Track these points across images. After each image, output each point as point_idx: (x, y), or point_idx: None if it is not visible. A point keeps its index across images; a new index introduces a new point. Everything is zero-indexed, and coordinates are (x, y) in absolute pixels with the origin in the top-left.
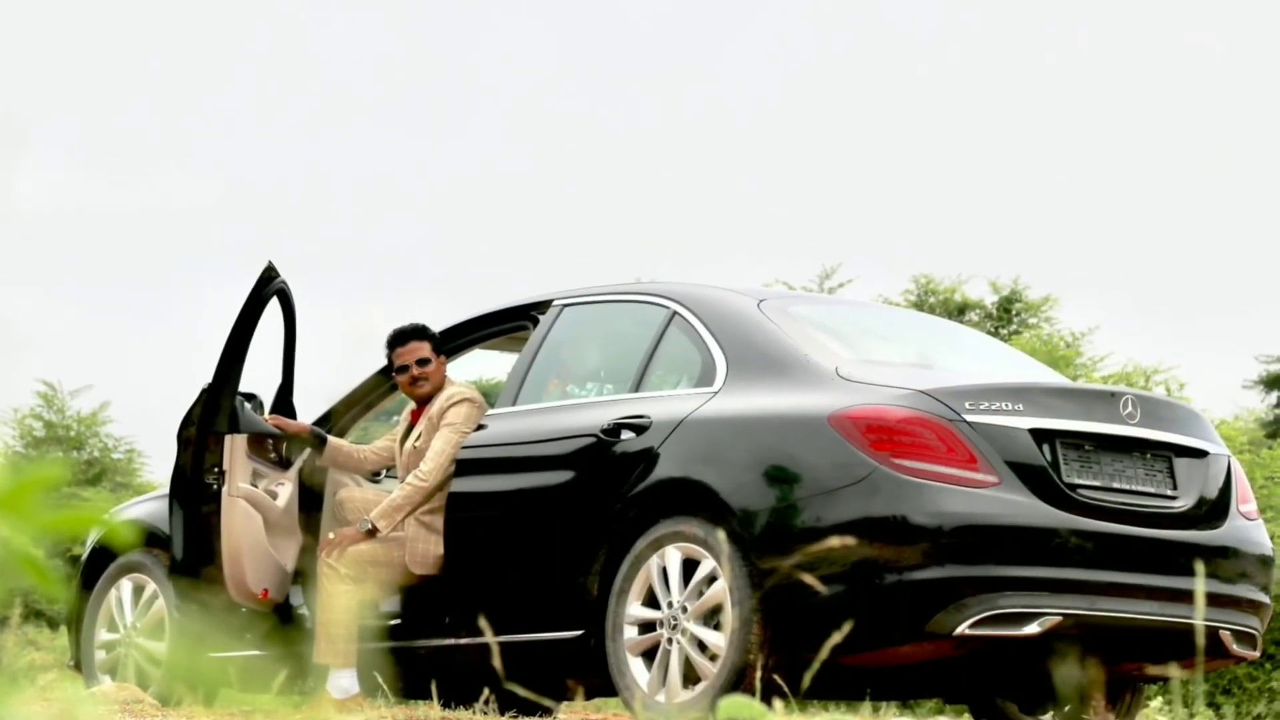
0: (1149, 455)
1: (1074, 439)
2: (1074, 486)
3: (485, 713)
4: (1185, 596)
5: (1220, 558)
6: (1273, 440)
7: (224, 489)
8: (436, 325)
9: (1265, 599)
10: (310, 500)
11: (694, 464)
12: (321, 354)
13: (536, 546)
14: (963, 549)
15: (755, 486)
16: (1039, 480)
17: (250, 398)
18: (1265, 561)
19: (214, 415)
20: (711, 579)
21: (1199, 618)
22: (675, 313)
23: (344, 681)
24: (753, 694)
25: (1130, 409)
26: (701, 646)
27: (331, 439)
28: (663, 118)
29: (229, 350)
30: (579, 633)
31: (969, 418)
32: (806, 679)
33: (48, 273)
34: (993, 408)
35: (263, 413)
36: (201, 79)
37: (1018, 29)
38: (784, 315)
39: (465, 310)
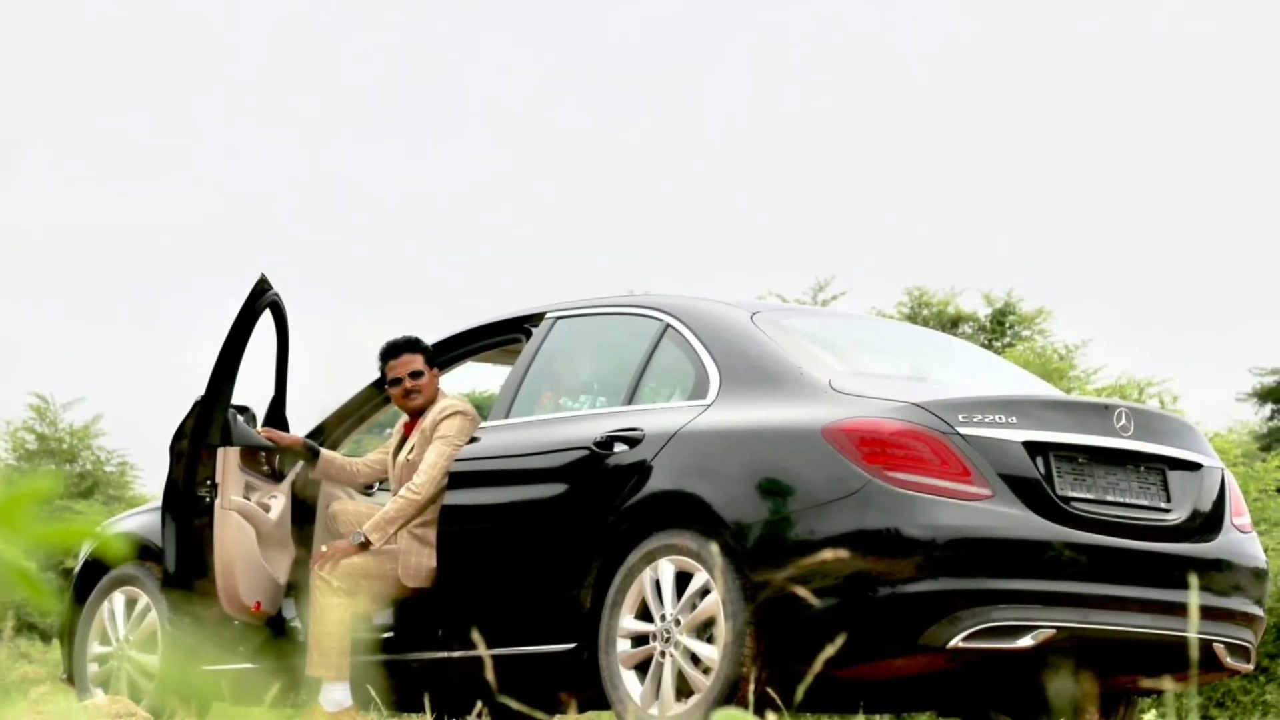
0: (1143, 468)
1: (1068, 452)
2: (1067, 499)
3: None
4: (1179, 609)
5: (1214, 571)
6: (1267, 453)
7: (217, 502)
8: (429, 338)
9: (1259, 612)
10: (303, 513)
11: (687, 477)
12: (314, 367)
13: (529, 559)
14: (956, 562)
15: (748, 499)
16: (1032, 493)
17: (243, 410)
18: (1259, 574)
19: (207, 428)
20: (705, 592)
21: (1193, 631)
22: (668, 325)
23: (336, 694)
24: (746, 707)
25: (1124, 422)
26: (695, 659)
27: (324, 452)
28: (655, 131)
29: (221, 363)
30: (572, 646)
31: (962, 430)
32: (800, 692)
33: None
34: (986, 420)
35: (255, 425)
36: (194, 93)
37: (1011, 44)
38: (777, 328)
39: (458, 323)
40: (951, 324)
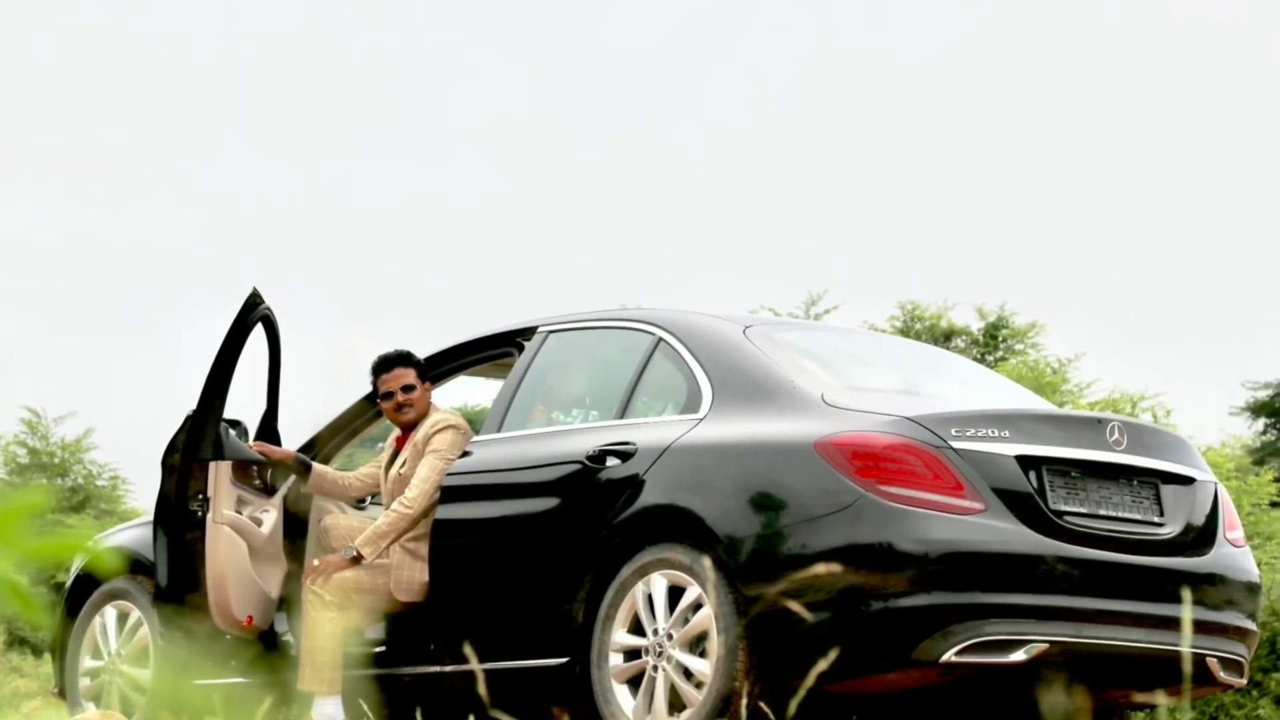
0: (1135, 482)
1: (1060, 466)
2: (1060, 513)
3: None
4: (1172, 624)
5: (1207, 585)
6: (1260, 467)
7: (208, 516)
8: (422, 352)
9: (1252, 626)
10: (295, 527)
11: (679, 491)
12: (306, 380)
13: (521, 573)
14: (949, 576)
15: (741, 513)
16: (1025, 507)
17: (235, 424)
18: (1252, 588)
19: (199, 442)
20: (697, 606)
21: (1186, 645)
22: (661, 339)
23: (329, 709)
24: None
25: (1117, 435)
26: (687, 674)
27: (316, 465)
28: (648, 144)
29: (213, 377)
30: (564, 660)
31: (955, 444)
32: (792, 706)
33: (32, 300)
34: (979, 434)
35: (247, 439)
36: (183, 109)
37: (1002, 59)
38: (770, 342)
39: (450, 337)
40: (944, 338)
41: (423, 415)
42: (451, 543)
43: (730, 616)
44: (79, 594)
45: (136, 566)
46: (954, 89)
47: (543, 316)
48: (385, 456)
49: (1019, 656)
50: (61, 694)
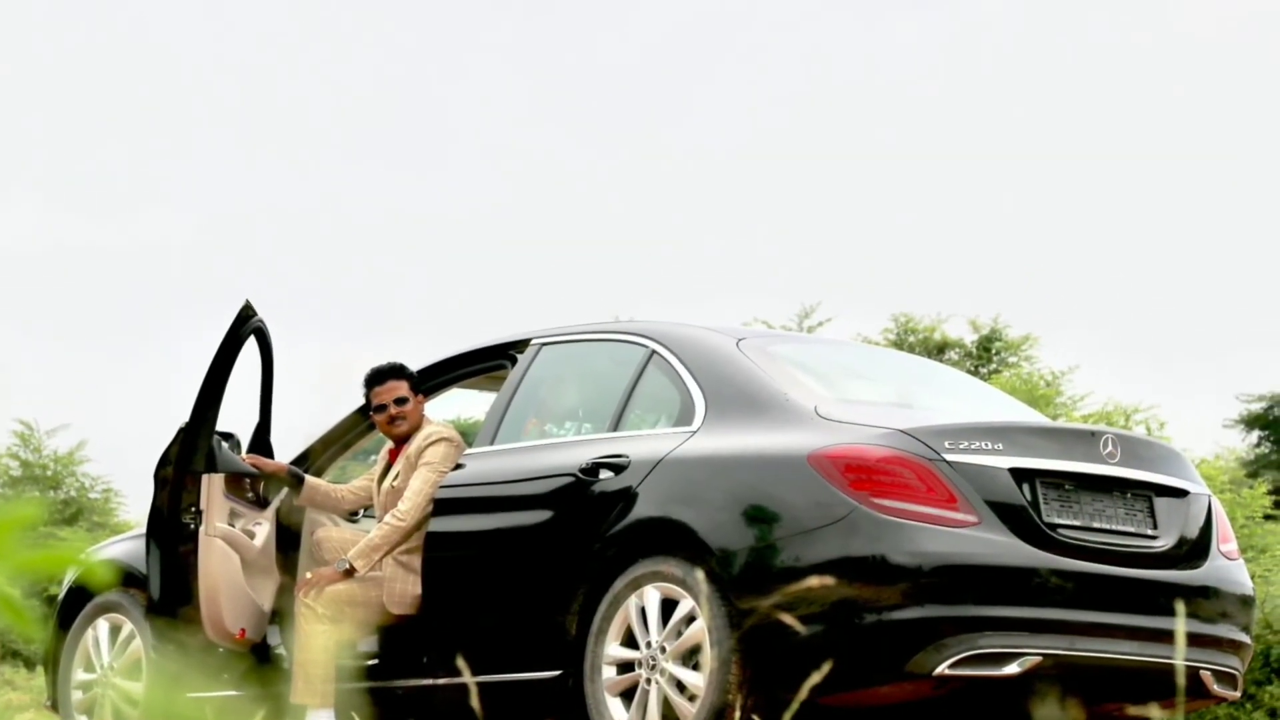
0: (1129, 495)
1: (1054, 478)
2: (1054, 526)
3: None
4: (1166, 636)
5: (1201, 597)
6: (1253, 480)
7: (201, 528)
8: (414, 364)
9: (1246, 639)
10: (288, 540)
11: (673, 503)
12: (299, 393)
13: (515, 586)
14: (942, 589)
15: (734, 526)
16: (1019, 520)
17: (227, 437)
18: (1246, 601)
19: (191, 454)
20: (690, 619)
21: (1180, 658)
22: (654, 352)
23: None
24: None
25: (1110, 448)
26: (680, 687)
27: (309, 478)
28: (641, 156)
29: (206, 389)
30: (557, 673)
31: (949, 457)
32: (786, 719)
33: (23, 311)
34: (972, 447)
35: (240, 452)
36: (177, 117)
37: (991, 71)
38: (763, 354)
39: (443, 349)
40: (938, 350)
41: (415, 428)
42: (444, 555)
43: (723, 629)
44: (71, 607)
45: (129, 579)
46: (948, 101)
47: (535, 329)
48: (378, 469)
49: (1013, 669)
50: (54, 707)
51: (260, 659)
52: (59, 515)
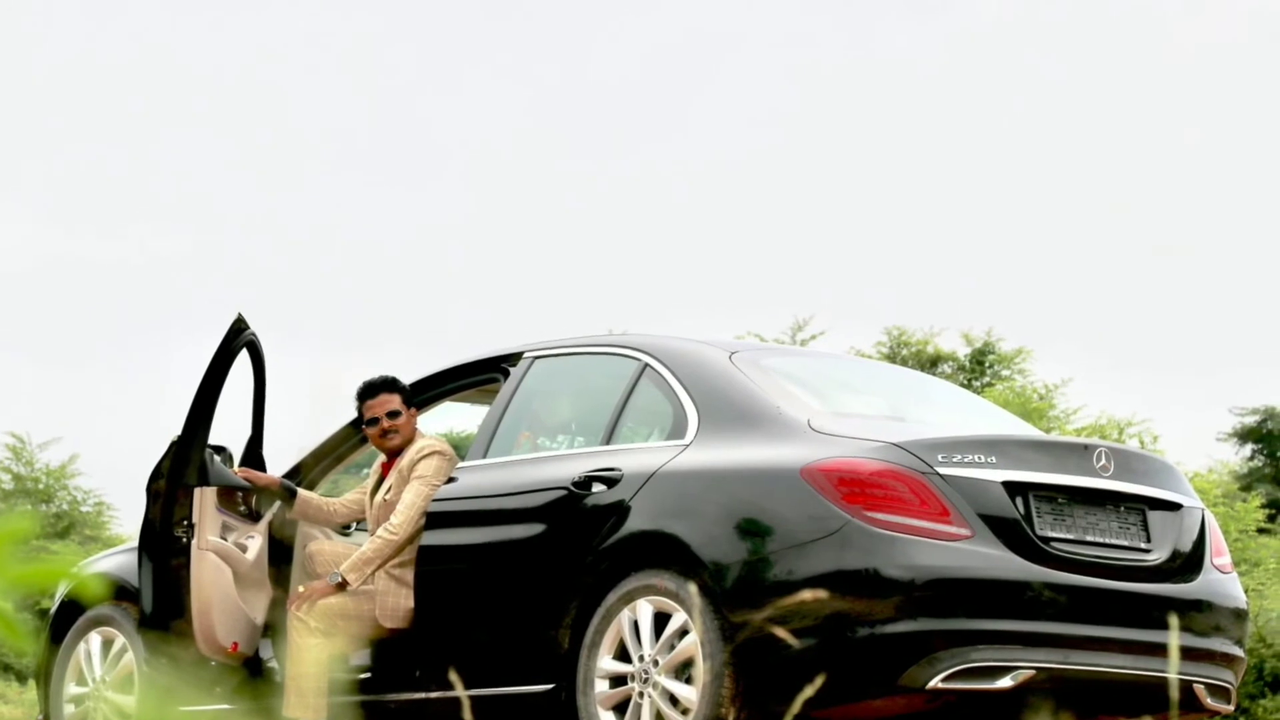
0: (1122, 508)
1: (1047, 492)
2: (1047, 539)
3: None
4: (1159, 650)
5: (1194, 611)
6: (1247, 493)
7: (193, 542)
8: (407, 377)
9: (1239, 652)
10: (280, 553)
11: (665, 517)
12: (291, 406)
13: (507, 600)
14: (935, 602)
15: (727, 539)
16: (1012, 533)
17: (220, 450)
18: (1239, 615)
19: (183, 468)
20: (683, 632)
21: (1173, 671)
22: (647, 365)
23: None
24: None
25: (1104, 461)
26: (673, 700)
27: (301, 492)
28: (634, 170)
29: (198, 403)
30: (550, 686)
31: (942, 470)
32: None
33: (16, 325)
34: (965, 460)
35: (232, 465)
36: (169, 131)
37: (985, 84)
38: (756, 367)
39: (436, 362)
40: (931, 364)
41: (408, 441)
42: (437, 569)
43: (716, 643)
44: (63, 620)
45: (121, 593)
46: (940, 116)
47: (528, 342)
48: (370, 482)
49: (1005, 683)
50: None
51: (252, 672)
52: (51, 529)
